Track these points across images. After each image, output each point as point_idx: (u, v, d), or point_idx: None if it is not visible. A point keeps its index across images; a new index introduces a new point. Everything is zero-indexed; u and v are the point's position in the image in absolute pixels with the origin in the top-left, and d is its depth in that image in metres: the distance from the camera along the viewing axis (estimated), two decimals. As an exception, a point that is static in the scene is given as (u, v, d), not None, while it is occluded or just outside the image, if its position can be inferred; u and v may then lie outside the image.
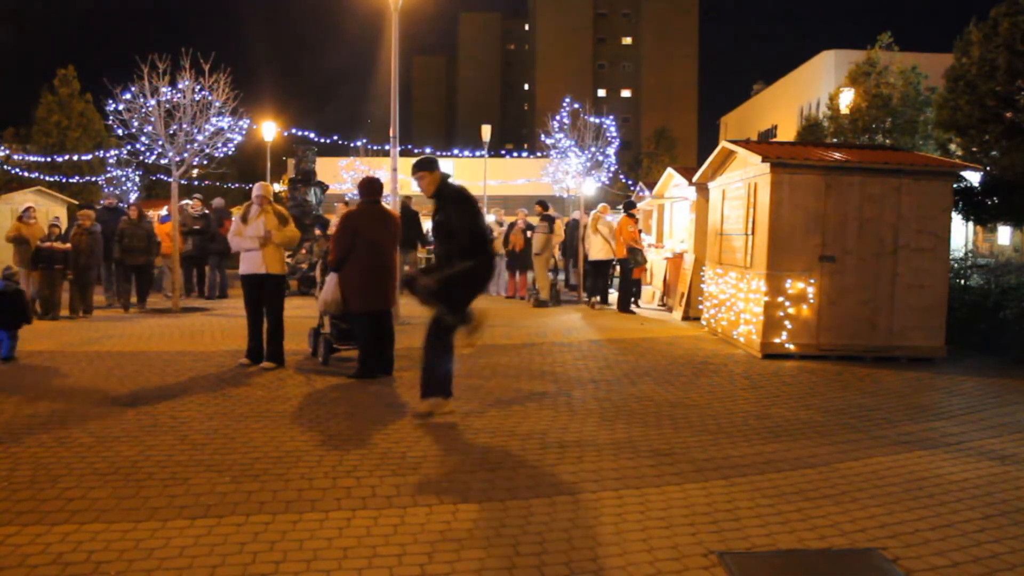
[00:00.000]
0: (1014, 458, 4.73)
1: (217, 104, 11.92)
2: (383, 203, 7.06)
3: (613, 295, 13.46)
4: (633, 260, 12.30)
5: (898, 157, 8.61)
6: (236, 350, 7.79)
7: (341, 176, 29.17)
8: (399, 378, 6.75)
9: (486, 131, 26.83)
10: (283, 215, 7.30)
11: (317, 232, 14.32)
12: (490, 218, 18.83)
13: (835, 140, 20.00)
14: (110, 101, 11.87)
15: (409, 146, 44.75)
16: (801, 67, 37.22)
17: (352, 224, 6.65)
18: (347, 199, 18.03)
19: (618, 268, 12.69)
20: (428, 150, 40.60)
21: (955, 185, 9.16)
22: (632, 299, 12.77)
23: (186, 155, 11.79)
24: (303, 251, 14.32)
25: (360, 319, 6.75)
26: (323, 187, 17.95)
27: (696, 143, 67.49)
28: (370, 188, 6.85)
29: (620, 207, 13.40)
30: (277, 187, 31.17)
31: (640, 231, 13.04)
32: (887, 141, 19.28)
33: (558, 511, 3.70)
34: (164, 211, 15.04)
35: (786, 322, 7.96)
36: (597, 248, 12.47)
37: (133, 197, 27.74)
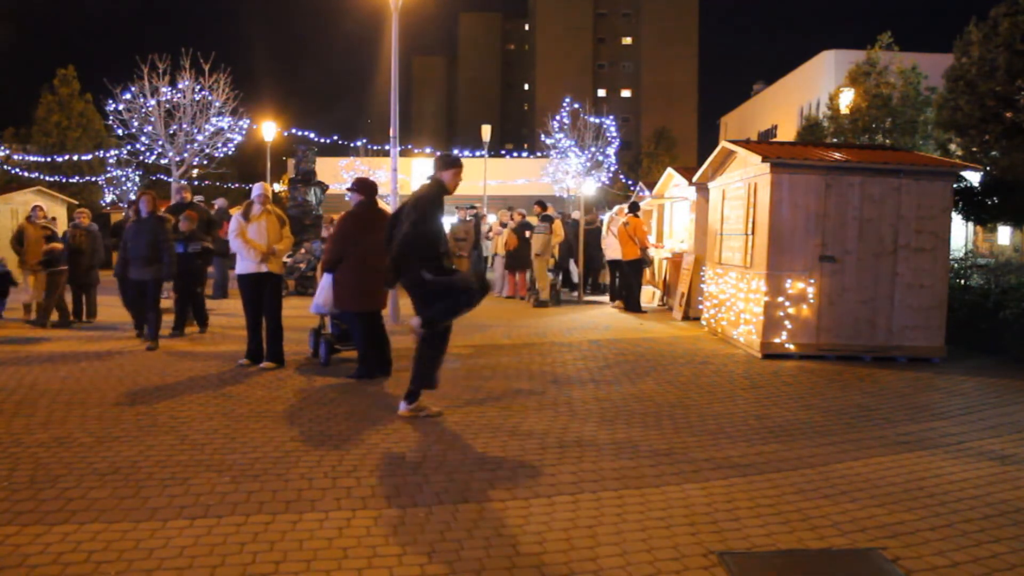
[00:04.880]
0: (1014, 458, 4.73)
1: (217, 104, 11.95)
2: (380, 203, 7.06)
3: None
4: (646, 260, 12.49)
5: (898, 157, 8.61)
6: (236, 350, 7.79)
7: (341, 176, 29.17)
8: (399, 378, 6.74)
9: (486, 131, 26.84)
10: (282, 218, 7.33)
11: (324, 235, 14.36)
12: (491, 218, 18.84)
13: (835, 140, 19.99)
14: (110, 101, 11.91)
15: (409, 146, 44.76)
16: (801, 67, 37.20)
17: (348, 224, 6.64)
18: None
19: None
20: (428, 150, 40.64)
21: (955, 185, 9.15)
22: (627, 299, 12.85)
23: (186, 155, 11.80)
24: (302, 251, 14.31)
25: (355, 320, 6.75)
26: (323, 187, 17.94)
27: (696, 143, 67.47)
28: (365, 188, 6.83)
29: (622, 208, 13.46)
30: (277, 187, 31.19)
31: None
32: (887, 141, 19.27)
33: (558, 511, 3.70)
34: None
35: (786, 322, 7.96)
36: (615, 248, 12.69)
37: (132, 197, 27.77)
